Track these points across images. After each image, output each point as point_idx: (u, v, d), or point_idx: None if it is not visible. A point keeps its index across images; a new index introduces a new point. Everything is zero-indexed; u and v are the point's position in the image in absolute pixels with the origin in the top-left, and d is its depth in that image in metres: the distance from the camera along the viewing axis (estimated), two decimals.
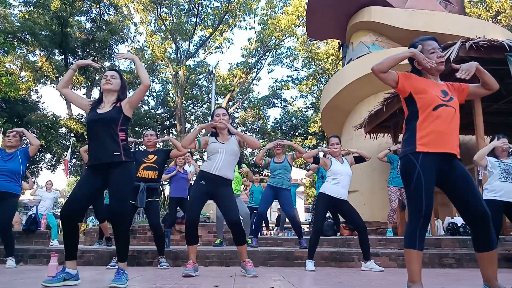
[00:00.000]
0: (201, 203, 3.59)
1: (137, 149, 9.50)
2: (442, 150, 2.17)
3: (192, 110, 27.02)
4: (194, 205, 3.53)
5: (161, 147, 20.30)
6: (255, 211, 8.00)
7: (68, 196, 2.89)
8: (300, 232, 5.54)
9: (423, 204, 2.11)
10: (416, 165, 2.15)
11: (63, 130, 20.34)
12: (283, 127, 25.97)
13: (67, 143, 19.09)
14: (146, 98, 26.27)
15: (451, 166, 2.21)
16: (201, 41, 24.59)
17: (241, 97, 25.92)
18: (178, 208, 6.68)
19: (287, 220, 10.16)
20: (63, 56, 20.61)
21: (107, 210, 5.34)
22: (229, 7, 22.34)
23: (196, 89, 25.63)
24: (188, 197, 4.27)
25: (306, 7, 13.51)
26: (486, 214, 2.13)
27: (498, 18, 21.89)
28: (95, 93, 22.67)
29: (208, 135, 3.84)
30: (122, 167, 2.79)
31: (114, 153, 2.78)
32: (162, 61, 23.41)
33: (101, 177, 2.81)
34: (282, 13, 24.50)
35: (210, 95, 21.07)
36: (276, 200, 5.62)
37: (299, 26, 23.52)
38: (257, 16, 24.77)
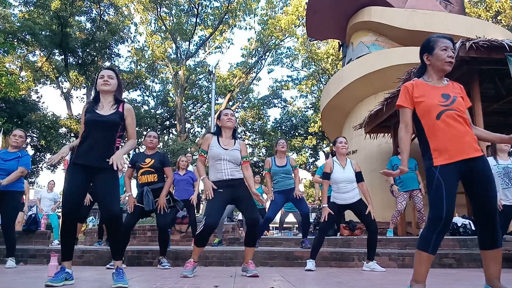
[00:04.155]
0: (221, 210, 3.56)
1: (136, 151, 9.46)
2: (458, 159, 2.15)
3: (192, 110, 27.04)
4: (214, 212, 3.43)
5: (161, 147, 20.31)
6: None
7: (62, 197, 2.85)
8: (307, 232, 5.51)
9: (444, 210, 2.09)
10: (435, 173, 2.15)
11: (63, 130, 20.36)
12: (283, 127, 26.00)
13: (67, 143, 19.10)
14: (146, 98, 26.35)
15: (471, 167, 2.17)
16: (201, 41, 24.60)
17: (241, 97, 25.93)
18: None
19: (286, 220, 10.18)
20: (63, 56, 20.61)
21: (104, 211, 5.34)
22: (229, 7, 22.35)
23: (196, 89, 25.64)
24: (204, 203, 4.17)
25: (306, 7, 13.51)
26: (493, 211, 2.13)
27: (498, 18, 21.89)
28: None
29: (210, 133, 3.82)
30: (111, 170, 2.74)
31: (107, 160, 2.73)
32: (162, 61, 23.42)
33: (87, 175, 2.77)
34: (282, 13, 24.52)
35: (210, 95, 21.07)
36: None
37: (299, 26, 23.54)
38: (257, 16, 24.81)
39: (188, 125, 25.79)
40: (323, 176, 4.38)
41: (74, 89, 22.98)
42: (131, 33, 24.69)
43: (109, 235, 2.84)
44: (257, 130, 26.52)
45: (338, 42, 15.71)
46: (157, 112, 26.44)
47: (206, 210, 3.51)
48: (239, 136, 3.88)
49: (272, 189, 5.45)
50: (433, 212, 2.13)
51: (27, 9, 19.52)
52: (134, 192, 4.61)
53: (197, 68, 24.20)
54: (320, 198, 4.75)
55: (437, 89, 2.29)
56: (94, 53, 21.20)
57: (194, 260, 3.48)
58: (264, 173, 5.71)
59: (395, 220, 6.45)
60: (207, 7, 23.15)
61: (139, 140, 23.61)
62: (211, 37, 24.21)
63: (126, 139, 3.04)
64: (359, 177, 4.32)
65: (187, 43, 23.64)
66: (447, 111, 2.19)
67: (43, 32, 19.07)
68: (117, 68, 21.97)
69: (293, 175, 5.52)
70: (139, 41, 42.45)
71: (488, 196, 2.15)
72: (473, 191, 2.20)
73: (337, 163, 4.32)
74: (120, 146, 2.91)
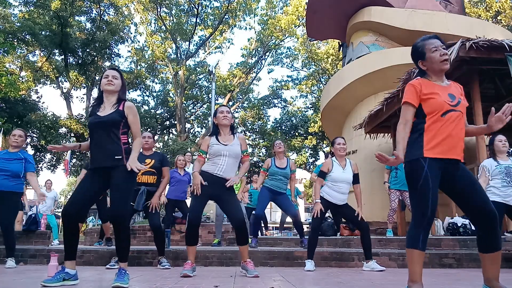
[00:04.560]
0: (203, 204, 3.57)
1: None
2: (449, 156, 2.17)
3: (192, 110, 27.03)
4: (196, 206, 3.49)
5: (161, 147, 20.31)
6: (253, 212, 8.01)
7: (70, 197, 2.89)
8: (302, 231, 5.53)
9: (429, 206, 2.11)
10: (424, 167, 2.15)
11: (63, 130, 20.35)
12: (283, 127, 25.99)
13: (67, 143, 19.09)
14: (146, 98, 26.34)
15: (455, 169, 2.20)
16: (201, 41, 24.60)
17: (241, 97, 25.92)
18: (176, 209, 6.66)
19: (287, 220, 10.19)
20: (63, 56, 20.61)
21: (108, 210, 5.34)
22: (229, 7, 22.34)
23: (196, 89, 25.63)
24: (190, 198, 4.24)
25: (306, 7, 13.51)
26: (494, 215, 2.13)
27: (498, 18, 21.89)
28: (95, 93, 22.66)
29: (208, 135, 3.83)
30: (124, 169, 2.77)
31: (116, 157, 2.77)
32: (162, 61, 23.41)
33: (101, 178, 2.81)
34: (282, 13, 24.51)
35: (210, 95, 21.06)
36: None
37: (299, 26, 23.53)
38: (257, 16, 24.80)
39: (188, 125, 25.79)
40: (319, 174, 4.39)
41: (74, 89, 22.97)
42: (131, 33, 24.73)
43: (114, 234, 2.85)
44: (257, 130, 26.50)
45: (338, 42, 15.71)
46: (157, 112, 26.43)
47: (190, 207, 3.56)
48: (238, 132, 3.88)
49: (261, 185, 5.52)
50: (419, 208, 2.15)
51: (27, 9, 19.52)
52: None
53: (197, 68, 24.19)
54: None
55: (444, 88, 2.29)
56: (94, 53, 21.19)
57: (191, 261, 3.48)
58: (261, 171, 5.75)
59: (391, 219, 6.50)
60: (207, 7, 23.15)
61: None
62: (211, 37, 24.20)
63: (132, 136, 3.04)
64: (355, 178, 4.32)
65: (187, 43, 23.65)
66: (452, 112, 2.20)
67: (43, 32, 19.06)
68: (117, 67, 21.96)
69: (289, 178, 5.53)
70: (139, 41, 42.55)
71: (483, 199, 2.16)
72: (463, 194, 2.21)
73: (337, 163, 4.32)
74: (128, 142, 2.92)
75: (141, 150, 4.62)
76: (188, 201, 6.49)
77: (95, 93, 22.58)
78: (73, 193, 2.84)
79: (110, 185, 2.79)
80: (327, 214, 4.40)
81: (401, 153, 2.22)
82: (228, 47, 33.62)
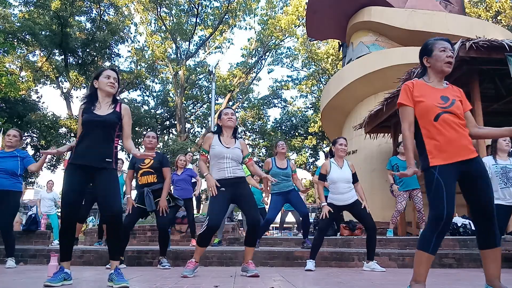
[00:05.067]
0: (224, 210, 3.60)
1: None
2: (454, 160, 2.17)
3: (192, 110, 27.03)
4: (217, 212, 3.46)
5: (161, 147, 20.31)
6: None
7: (61, 198, 2.86)
8: (307, 232, 5.51)
9: (445, 210, 2.09)
10: (434, 174, 2.15)
11: (63, 130, 20.36)
12: (283, 127, 26.00)
13: (67, 143, 19.09)
14: (146, 98, 26.35)
15: (467, 168, 2.19)
16: (201, 41, 24.60)
17: (241, 97, 25.93)
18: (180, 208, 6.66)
19: (286, 220, 10.18)
20: (63, 56, 20.61)
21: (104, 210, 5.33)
22: (229, 7, 22.34)
23: (196, 89, 25.63)
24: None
25: (306, 7, 13.51)
26: (491, 210, 2.13)
27: (498, 18, 21.90)
28: None
29: (212, 132, 3.83)
30: (112, 171, 2.79)
31: (107, 159, 2.76)
32: (162, 61, 23.41)
33: (85, 176, 2.79)
34: (282, 13, 24.52)
35: (210, 95, 21.06)
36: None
37: (299, 26, 23.54)
38: (257, 16, 24.80)
39: (188, 125, 25.80)
40: (319, 177, 4.44)
41: (74, 89, 22.98)
42: (131, 33, 24.72)
43: (110, 234, 2.83)
44: (257, 130, 26.52)
45: (338, 42, 15.71)
46: (157, 112, 26.42)
47: (209, 210, 3.54)
48: (239, 136, 3.88)
49: (270, 190, 5.48)
50: (434, 212, 2.13)
51: (27, 9, 19.52)
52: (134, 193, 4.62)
53: (197, 68, 24.19)
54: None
55: (436, 91, 2.29)
56: (94, 53, 21.19)
57: (195, 260, 3.48)
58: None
59: (395, 220, 6.44)
60: (207, 7, 23.16)
61: (139, 141, 23.68)
62: (211, 37, 24.21)
63: (122, 137, 3.04)
64: (354, 178, 4.34)
65: (187, 43, 23.65)
66: (444, 114, 2.20)
67: (43, 32, 19.06)
68: (117, 68, 21.98)
69: (292, 179, 5.49)
70: (139, 41, 42.43)
71: (484, 196, 2.16)
72: (469, 191, 2.21)
73: (334, 164, 4.33)
74: (118, 145, 2.93)
75: (143, 151, 4.60)
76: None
77: None
78: (66, 192, 2.76)
79: (99, 185, 2.76)
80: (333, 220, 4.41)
81: (412, 161, 2.24)
82: (228, 47, 33.62)
